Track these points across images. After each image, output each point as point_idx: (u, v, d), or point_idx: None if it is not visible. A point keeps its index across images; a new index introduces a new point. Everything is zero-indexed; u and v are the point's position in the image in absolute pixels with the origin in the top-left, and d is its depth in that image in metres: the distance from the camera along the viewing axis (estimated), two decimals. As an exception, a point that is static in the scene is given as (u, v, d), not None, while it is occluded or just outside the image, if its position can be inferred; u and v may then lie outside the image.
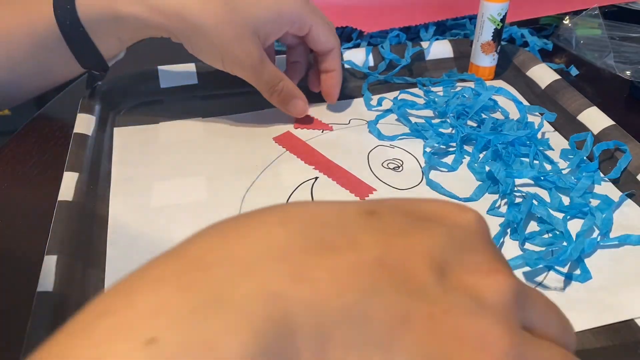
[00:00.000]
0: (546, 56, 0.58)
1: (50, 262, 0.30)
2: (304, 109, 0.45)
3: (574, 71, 0.55)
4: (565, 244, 0.34)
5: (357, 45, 0.58)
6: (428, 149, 0.42)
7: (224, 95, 0.50)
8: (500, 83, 0.52)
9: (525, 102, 0.49)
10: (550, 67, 0.51)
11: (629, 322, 0.30)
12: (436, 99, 0.48)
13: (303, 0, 0.43)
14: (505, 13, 0.48)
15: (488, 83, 0.51)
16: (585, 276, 0.32)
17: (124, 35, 0.42)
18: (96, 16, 0.40)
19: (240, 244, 0.16)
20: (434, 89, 0.50)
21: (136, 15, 0.39)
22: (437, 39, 0.57)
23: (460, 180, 0.40)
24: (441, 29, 0.62)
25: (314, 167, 0.41)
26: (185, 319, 0.14)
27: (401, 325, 0.15)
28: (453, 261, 0.17)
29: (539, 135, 0.45)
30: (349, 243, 0.16)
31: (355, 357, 0.15)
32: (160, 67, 0.50)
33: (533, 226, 0.36)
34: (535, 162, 0.41)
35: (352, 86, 0.52)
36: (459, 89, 0.50)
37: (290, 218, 0.17)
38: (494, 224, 0.36)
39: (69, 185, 0.37)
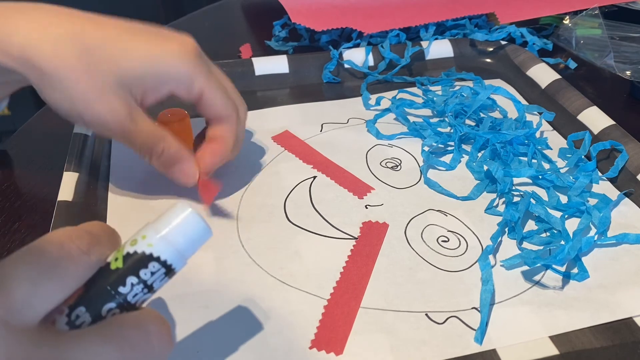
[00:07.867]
0: (546, 56, 0.58)
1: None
2: (192, 175, 0.36)
3: (572, 64, 0.55)
4: (563, 242, 0.34)
5: (357, 45, 0.58)
6: (426, 148, 0.42)
7: (223, 95, 0.50)
8: (499, 82, 0.52)
9: (525, 102, 0.49)
10: (548, 63, 0.51)
11: (629, 322, 0.30)
12: (435, 98, 0.48)
13: (194, 55, 0.34)
14: None
15: (487, 82, 0.51)
16: (583, 275, 0.32)
17: None
18: None
19: None
20: (432, 88, 0.51)
21: None
22: (436, 39, 0.57)
23: (459, 179, 0.40)
24: (441, 29, 0.62)
25: (312, 166, 0.41)
26: None
27: None
28: None
29: (538, 135, 0.45)
30: None
31: None
32: (160, 68, 0.50)
33: (531, 225, 0.36)
34: (534, 161, 0.41)
35: (351, 86, 0.52)
36: (457, 88, 0.50)
37: None
38: (492, 223, 0.36)
39: (69, 185, 0.37)
